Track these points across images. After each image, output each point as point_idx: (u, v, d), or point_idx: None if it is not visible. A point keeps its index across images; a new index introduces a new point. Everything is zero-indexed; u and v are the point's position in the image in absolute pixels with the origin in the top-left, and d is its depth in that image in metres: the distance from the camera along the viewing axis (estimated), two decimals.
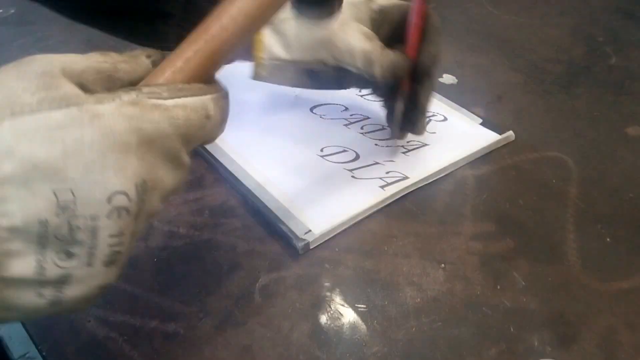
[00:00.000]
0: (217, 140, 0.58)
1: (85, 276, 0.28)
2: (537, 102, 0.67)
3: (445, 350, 0.40)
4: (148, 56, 0.35)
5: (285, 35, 0.54)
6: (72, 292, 0.28)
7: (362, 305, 0.44)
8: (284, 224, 0.49)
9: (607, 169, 0.57)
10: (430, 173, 0.55)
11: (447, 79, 0.71)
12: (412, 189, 0.54)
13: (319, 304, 0.44)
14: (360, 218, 0.51)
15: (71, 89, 0.29)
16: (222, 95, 0.34)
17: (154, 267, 0.46)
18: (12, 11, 0.89)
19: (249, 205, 0.52)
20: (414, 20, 0.49)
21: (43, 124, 0.27)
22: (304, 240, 0.47)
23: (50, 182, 0.26)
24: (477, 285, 0.45)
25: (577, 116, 0.65)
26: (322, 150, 0.58)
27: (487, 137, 0.59)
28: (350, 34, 0.50)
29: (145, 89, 0.31)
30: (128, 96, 0.30)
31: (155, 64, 0.34)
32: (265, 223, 0.50)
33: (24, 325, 0.42)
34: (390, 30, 0.52)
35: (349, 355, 0.40)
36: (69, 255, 0.27)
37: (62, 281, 0.27)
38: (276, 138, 0.59)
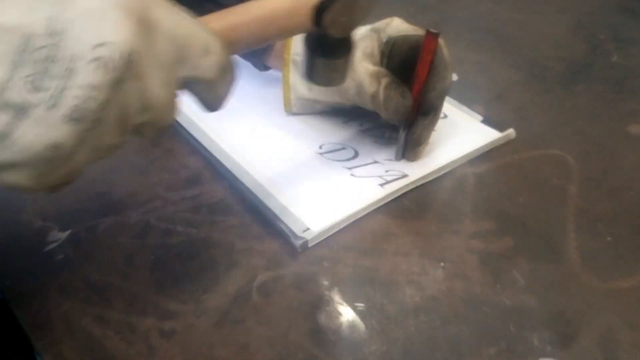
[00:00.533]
0: (215, 138, 0.59)
1: (43, 119, 0.27)
2: (538, 99, 0.67)
3: (444, 349, 0.40)
4: None
5: None
6: (25, 130, 0.27)
7: (361, 304, 0.43)
8: (282, 221, 0.49)
9: (607, 167, 0.57)
10: (430, 171, 0.54)
11: None
12: (411, 187, 0.53)
13: (318, 302, 0.43)
14: (359, 216, 0.50)
15: None
16: (227, 54, 0.35)
17: (151, 264, 0.46)
18: None
19: (247, 203, 0.51)
20: (423, 56, 0.50)
21: None
22: (303, 238, 0.47)
23: (51, 6, 0.27)
24: (476, 283, 0.45)
25: (577, 114, 0.64)
26: (320, 147, 0.57)
27: (487, 135, 0.59)
28: (359, 78, 0.52)
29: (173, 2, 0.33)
30: None
31: None
32: (263, 221, 0.50)
33: (20, 322, 0.42)
34: (400, 61, 0.53)
35: (347, 354, 0.40)
36: (37, 89, 0.27)
37: (20, 112, 0.27)
38: (275, 135, 0.59)
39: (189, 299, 0.43)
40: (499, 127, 0.60)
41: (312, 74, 0.44)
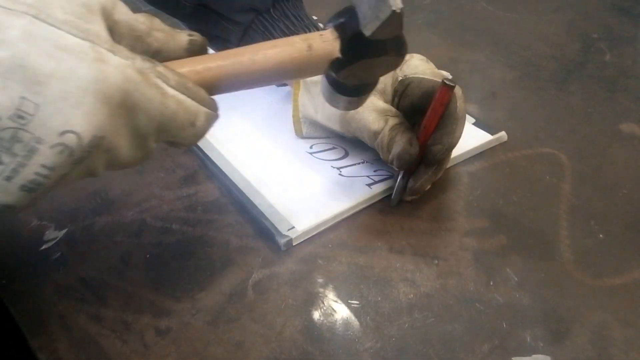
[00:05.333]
0: (208, 135, 0.59)
1: (0, 186, 0.29)
2: (532, 98, 0.67)
3: (438, 346, 0.40)
4: (189, 35, 0.37)
5: (315, 98, 0.54)
6: None
7: (355, 301, 0.44)
8: (267, 219, 0.49)
9: (600, 166, 0.57)
10: None
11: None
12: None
13: (312, 300, 0.44)
14: (345, 216, 0.51)
15: (98, 28, 0.30)
16: (214, 115, 0.36)
17: (147, 263, 0.46)
18: None
19: (236, 201, 0.51)
20: (434, 107, 0.47)
21: (53, 40, 0.28)
22: (287, 236, 0.47)
23: (24, 88, 0.28)
24: (470, 281, 0.45)
25: (571, 112, 0.65)
26: (311, 147, 0.58)
27: (479, 138, 0.59)
28: (364, 113, 0.49)
29: (160, 67, 0.32)
30: (142, 64, 0.31)
31: (192, 44, 0.37)
32: (258, 219, 0.50)
33: (16, 322, 0.42)
34: (410, 103, 0.51)
35: (341, 351, 0.40)
36: None
37: None
38: (266, 134, 0.60)
39: (184, 297, 0.44)
40: (491, 129, 0.60)
41: (331, 101, 0.43)
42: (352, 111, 0.49)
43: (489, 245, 0.48)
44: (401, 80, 0.51)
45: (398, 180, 0.51)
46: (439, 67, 0.71)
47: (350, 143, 0.58)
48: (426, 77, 0.50)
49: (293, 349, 0.40)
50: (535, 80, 0.70)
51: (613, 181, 0.55)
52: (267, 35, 0.55)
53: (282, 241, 0.47)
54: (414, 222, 0.50)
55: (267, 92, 0.64)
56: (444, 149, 0.48)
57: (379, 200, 0.52)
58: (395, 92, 0.51)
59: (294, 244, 0.48)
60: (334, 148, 0.58)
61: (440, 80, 0.47)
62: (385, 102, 0.51)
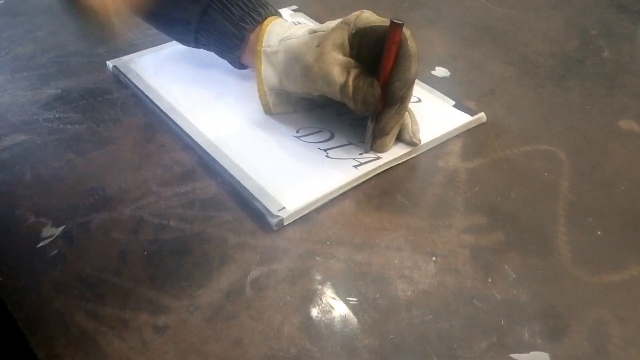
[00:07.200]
0: (194, 122, 0.60)
1: None
2: (530, 95, 0.67)
3: (436, 343, 0.40)
4: None
5: (277, 67, 0.57)
6: None
7: (354, 298, 0.44)
8: (258, 201, 0.50)
9: (598, 162, 0.57)
10: (402, 153, 0.56)
11: (440, 71, 0.71)
12: (384, 169, 0.55)
13: (310, 297, 0.44)
14: (333, 196, 0.52)
15: None
16: None
17: (144, 260, 0.46)
18: (1, 2, 0.88)
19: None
20: (387, 47, 0.50)
21: None
22: (278, 216, 0.48)
23: None
24: (468, 278, 0.45)
25: (569, 109, 0.65)
26: (297, 131, 0.59)
27: (459, 119, 0.61)
28: (327, 68, 0.52)
29: None
30: None
31: None
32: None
33: (14, 319, 0.42)
34: (368, 52, 0.53)
35: (340, 349, 0.40)
36: None
37: None
38: (253, 119, 0.61)
39: (182, 295, 0.43)
40: (471, 111, 0.62)
41: None
42: (317, 68, 0.52)
43: (487, 241, 0.48)
44: (354, 32, 0.53)
45: (368, 125, 0.55)
46: (437, 63, 0.72)
47: (335, 125, 0.60)
48: (377, 24, 0.52)
49: (291, 346, 0.40)
50: (533, 77, 0.70)
51: (611, 178, 0.55)
52: (227, 13, 0.58)
53: (273, 221, 0.48)
54: (412, 219, 0.50)
55: (251, 80, 0.63)
56: (402, 85, 0.52)
57: (377, 198, 0.52)
58: (352, 46, 0.54)
59: (285, 224, 0.49)
60: (320, 131, 0.59)
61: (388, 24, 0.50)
62: (345, 55, 0.53)
